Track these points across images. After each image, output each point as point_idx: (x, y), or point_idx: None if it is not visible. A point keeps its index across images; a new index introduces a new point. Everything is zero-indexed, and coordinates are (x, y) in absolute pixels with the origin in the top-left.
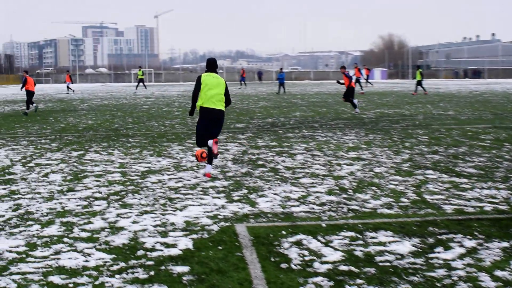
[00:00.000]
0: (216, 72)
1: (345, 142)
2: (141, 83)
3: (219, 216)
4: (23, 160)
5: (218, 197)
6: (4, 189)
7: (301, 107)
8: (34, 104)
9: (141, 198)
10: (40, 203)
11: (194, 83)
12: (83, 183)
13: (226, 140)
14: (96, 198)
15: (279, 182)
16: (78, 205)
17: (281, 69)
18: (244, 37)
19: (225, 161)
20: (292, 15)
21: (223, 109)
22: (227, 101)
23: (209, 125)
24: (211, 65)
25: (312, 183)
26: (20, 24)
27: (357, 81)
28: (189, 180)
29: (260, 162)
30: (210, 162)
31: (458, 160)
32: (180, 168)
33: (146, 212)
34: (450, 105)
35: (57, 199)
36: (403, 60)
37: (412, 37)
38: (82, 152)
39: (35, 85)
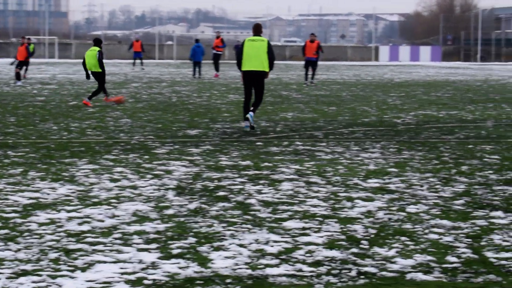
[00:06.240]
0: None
1: (363, 163)
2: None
3: (145, 281)
4: None
5: (147, 250)
6: None
7: (297, 104)
8: None
9: (19, 250)
10: None
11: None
12: None
13: (168, 155)
14: None
15: (249, 227)
16: None
17: (197, 40)
18: None
19: (163, 191)
20: None
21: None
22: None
23: None
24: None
25: (304, 228)
26: None
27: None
28: (102, 221)
29: (221, 193)
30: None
31: None
32: (88, 201)
33: (24, 273)
34: None
35: None
36: (468, 31)
37: None
38: None
39: None
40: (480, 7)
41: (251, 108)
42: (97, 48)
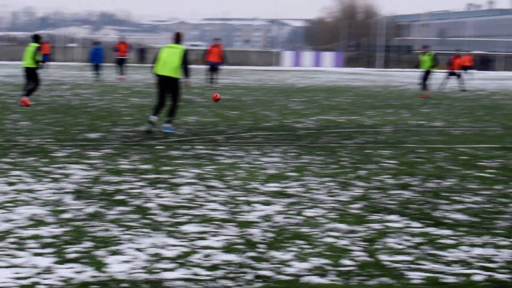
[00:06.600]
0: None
1: (262, 167)
2: None
3: (39, 286)
4: None
5: (42, 254)
6: None
7: (198, 108)
8: None
9: None
10: None
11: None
12: None
13: (67, 158)
14: None
15: (147, 231)
16: None
17: (96, 42)
18: None
19: (61, 194)
20: None
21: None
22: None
23: None
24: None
25: (202, 232)
26: None
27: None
28: None
29: (120, 197)
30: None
31: (439, 199)
32: None
33: None
34: (438, 111)
35: None
36: (371, 37)
37: (387, 2)
38: None
39: None
40: (382, 14)
41: (165, 119)
42: (35, 44)
